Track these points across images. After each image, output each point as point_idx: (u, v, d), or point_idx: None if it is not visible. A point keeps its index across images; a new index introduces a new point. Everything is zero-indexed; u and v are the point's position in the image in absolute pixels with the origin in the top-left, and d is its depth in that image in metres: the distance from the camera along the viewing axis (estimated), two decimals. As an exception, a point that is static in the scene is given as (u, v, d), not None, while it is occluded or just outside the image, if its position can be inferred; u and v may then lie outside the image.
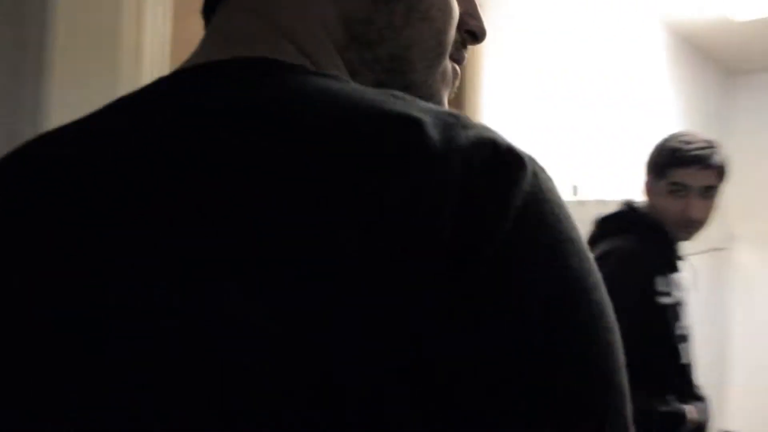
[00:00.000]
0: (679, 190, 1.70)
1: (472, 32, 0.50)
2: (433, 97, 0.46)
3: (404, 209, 0.30)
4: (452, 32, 0.46)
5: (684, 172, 1.70)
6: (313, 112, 0.33)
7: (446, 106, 0.48)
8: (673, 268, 1.74)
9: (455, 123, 0.33)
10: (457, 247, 0.29)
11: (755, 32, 3.53)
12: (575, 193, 2.66)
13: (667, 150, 1.74)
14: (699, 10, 3.25)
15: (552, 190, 0.34)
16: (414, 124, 0.32)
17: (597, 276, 0.34)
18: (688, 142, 1.72)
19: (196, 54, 0.42)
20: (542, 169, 0.34)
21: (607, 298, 0.33)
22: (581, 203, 2.52)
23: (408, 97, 0.36)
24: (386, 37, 0.43)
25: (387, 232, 0.29)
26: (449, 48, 0.46)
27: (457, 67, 0.49)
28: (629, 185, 3.19)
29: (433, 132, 0.32)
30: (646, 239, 1.70)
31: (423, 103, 0.35)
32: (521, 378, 0.29)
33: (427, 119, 0.33)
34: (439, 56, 0.45)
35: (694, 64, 4.09)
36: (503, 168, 0.32)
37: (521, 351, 0.29)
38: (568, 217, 0.34)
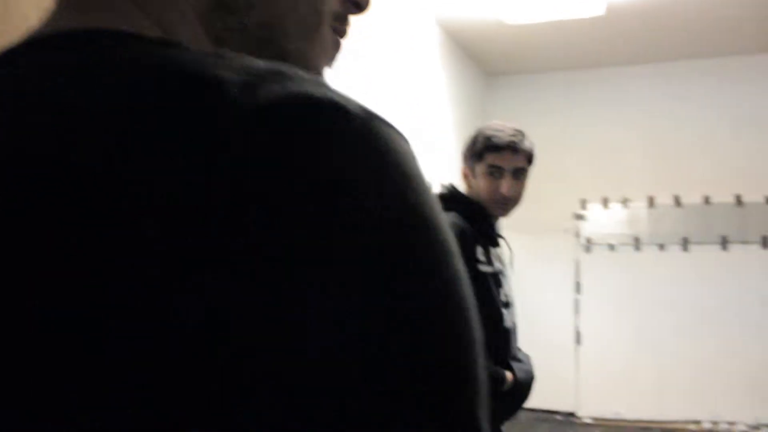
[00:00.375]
0: (494, 172, 1.90)
1: (355, 2, 0.47)
2: (310, 68, 0.43)
3: (185, 188, 0.27)
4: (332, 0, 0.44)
5: (498, 156, 1.90)
6: (111, 87, 0.31)
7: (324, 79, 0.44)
8: (493, 243, 1.95)
9: (271, 78, 0.30)
10: (245, 229, 0.26)
11: (521, 36, 3.78)
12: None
13: (482, 137, 1.92)
14: (472, 11, 3.39)
15: (395, 153, 0.30)
16: (208, 85, 0.29)
17: (450, 263, 0.30)
18: (501, 130, 1.92)
19: (44, 24, 0.39)
20: (388, 130, 0.30)
21: (460, 288, 0.30)
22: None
23: (236, 56, 0.32)
24: (256, 4, 0.40)
25: (166, 220, 0.27)
26: (328, 17, 0.44)
27: (339, 40, 0.46)
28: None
29: (233, 92, 0.29)
30: (467, 216, 1.88)
31: (250, 61, 0.32)
32: (360, 380, 0.26)
33: (232, 77, 0.29)
34: (317, 25, 0.43)
35: (463, 62, 4.31)
36: (315, 126, 0.29)
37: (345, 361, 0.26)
38: (415, 190, 0.30)
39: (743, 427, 4.53)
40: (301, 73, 0.31)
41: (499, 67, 4.75)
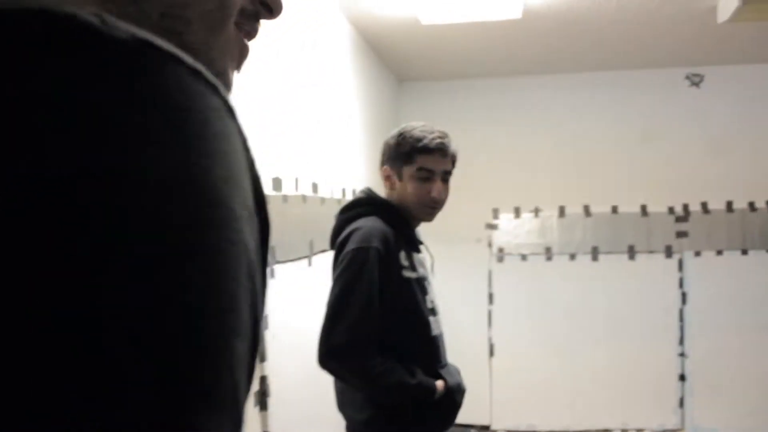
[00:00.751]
0: (424, 175, 1.86)
1: (266, 4, 0.47)
2: (214, 64, 0.42)
3: None
4: None
5: (429, 158, 1.86)
6: None
7: (231, 79, 0.45)
8: (415, 249, 1.91)
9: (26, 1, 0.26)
10: None
11: (435, 39, 3.70)
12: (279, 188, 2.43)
13: (411, 138, 1.87)
14: (386, 8, 3.26)
15: (168, 97, 0.27)
16: None
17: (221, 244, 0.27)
18: (430, 132, 1.88)
19: None
20: (172, 68, 0.28)
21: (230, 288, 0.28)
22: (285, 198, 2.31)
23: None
24: None
25: None
26: (234, 13, 0.43)
27: (246, 41, 0.46)
28: (324, 179, 3.11)
29: None
30: (387, 221, 1.84)
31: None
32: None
33: None
34: (223, 20, 0.42)
35: (375, 66, 4.19)
36: (40, 51, 0.25)
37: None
38: (189, 150, 0.27)
39: (649, 433, 4.61)
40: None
41: (411, 73, 4.67)
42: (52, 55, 0.25)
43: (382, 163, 1.95)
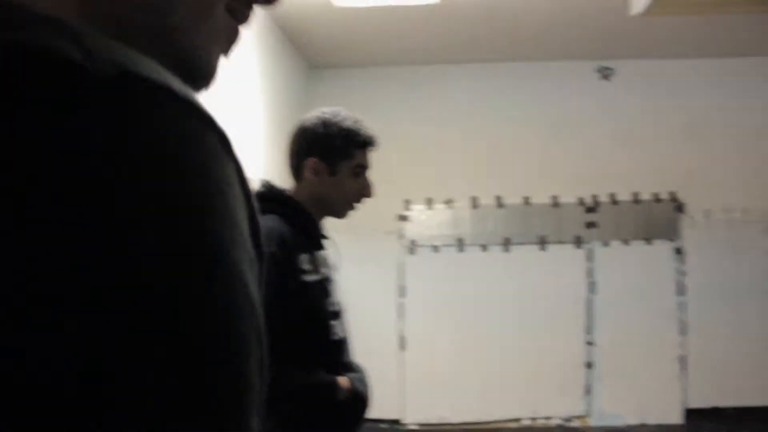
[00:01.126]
0: (360, 171, 1.77)
1: None
2: (198, 48, 0.40)
3: None
4: None
5: (364, 154, 1.77)
6: None
7: (216, 65, 0.43)
8: (318, 246, 1.78)
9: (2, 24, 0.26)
10: None
11: (349, 22, 3.54)
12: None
13: (349, 133, 1.75)
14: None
15: (162, 142, 0.26)
16: None
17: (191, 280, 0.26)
18: (361, 122, 1.76)
19: None
20: (166, 106, 0.27)
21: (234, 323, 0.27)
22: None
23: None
24: None
25: None
26: None
27: (236, 25, 0.43)
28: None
29: None
30: (288, 218, 1.71)
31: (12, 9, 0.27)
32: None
33: None
34: (211, 3, 0.40)
35: (286, 50, 3.99)
36: (8, 91, 0.24)
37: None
38: (178, 183, 0.26)
39: (558, 421, 4.68)
40: (59, 20, 0.26)
41: (323, 59, 4.49)
42: (27, 103, 0.24)
43: (305, 154, 1.78)
